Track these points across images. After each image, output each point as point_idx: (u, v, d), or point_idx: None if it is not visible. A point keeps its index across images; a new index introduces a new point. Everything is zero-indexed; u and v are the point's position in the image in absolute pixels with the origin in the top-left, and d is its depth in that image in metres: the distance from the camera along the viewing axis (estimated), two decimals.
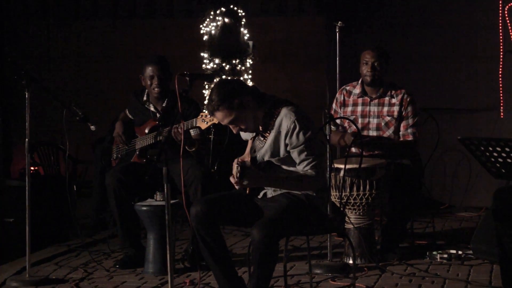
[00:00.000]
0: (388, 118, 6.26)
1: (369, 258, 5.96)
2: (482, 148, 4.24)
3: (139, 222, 6.09)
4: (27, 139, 5.70)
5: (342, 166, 5.66)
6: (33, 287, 5.56)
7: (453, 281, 5.46)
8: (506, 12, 8.29)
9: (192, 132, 5.96)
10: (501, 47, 8.32)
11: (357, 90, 6.39)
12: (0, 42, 10.23)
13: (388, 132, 6.26)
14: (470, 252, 6.05)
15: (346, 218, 5.90)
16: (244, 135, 4.94)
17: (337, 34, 6.29)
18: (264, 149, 4.70)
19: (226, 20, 9.00)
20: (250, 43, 9.08)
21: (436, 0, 8.70)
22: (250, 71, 9.09)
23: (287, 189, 4.70)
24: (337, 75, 6.43)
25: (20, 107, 6.54)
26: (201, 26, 9.12)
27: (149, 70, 6.16)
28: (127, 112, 6.46)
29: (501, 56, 8.33)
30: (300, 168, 4.63)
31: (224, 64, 8.95)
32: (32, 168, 7.92)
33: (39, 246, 6.63)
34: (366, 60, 6.27)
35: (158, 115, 6.24)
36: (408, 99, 6.26)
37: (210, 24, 9.05)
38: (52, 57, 10.48)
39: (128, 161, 6.29)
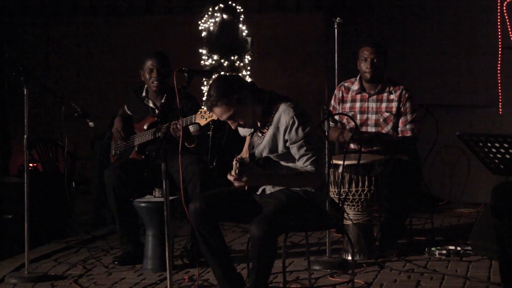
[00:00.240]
0: (387, 114, 6.26)
1: (368, 254, 5.96)
2: (481, 144, 4.24)
3: (138, 219, 6.09)
4: (25, 136, 5.70)
5: (340, 162, 5.66)
6: (32, 284, 5.56)
7: (452, 277, 5.46)
8: (504, 8, 8.29)
9: (191, 128, 5.96)
10: (500, 43, 8.31)
11: (355, 86, 6.39)
12: None
13: (387, 128, 6.26)
14: (469, 248, 6.06)
15: (345, 214, 5.91)
16: (242, 131, 4.94)
17: (336, 30, 6.29)
18: (262, 145, 4.70)
19: (225, 16, 8.99)
20: (249, 39, 9.07)
21: None
22: (248, 68, 9.09)
23: (286, 186, 4.70)
24: (336, 71, 6.43)
25: (18, 104, 6.55)
26: (199, 22, 9.11)
27: (148, 64, 6.15)
28: (126, 108, 6.46)
29: (500, 52, 8.33)
30: (299, 163, 4.62)
31: (222, 61, 8.94)
32: (30, 164, 7.92)
33: (38, 243, 6.63)
34: (364, 56, 6.27)
35: (157, 111, 6.23)
36: (406, 95, 6.26)
37: (208, 21, 9.04)
38: (51, 54, 10.47)
39: (126, 157, 6.29)
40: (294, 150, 4.62)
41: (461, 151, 8.39)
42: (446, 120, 8.02)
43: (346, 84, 6.44)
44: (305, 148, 4.59)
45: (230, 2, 9.03)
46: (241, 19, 9.07)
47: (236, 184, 4.50)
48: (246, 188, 4.70)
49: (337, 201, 5.82)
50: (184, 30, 9.79)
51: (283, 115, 4.61)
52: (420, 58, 8.64)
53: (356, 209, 5.99)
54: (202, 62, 9.01)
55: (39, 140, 8.52)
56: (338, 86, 6.45)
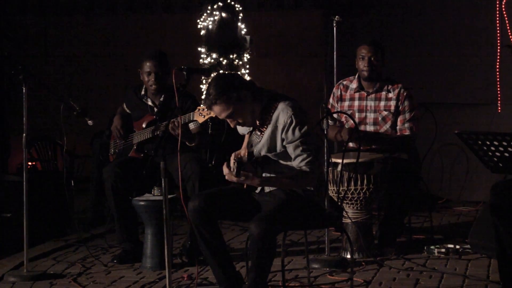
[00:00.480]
0: (385, 113, 6.26)
1: (366, 253, 5.96)
2: (480, 142, 4.24)
3: (137, 217, 6.08)
4: (24, 134, 5.69)
5: (339, 160, 5.66)
6: (31, 282, 5.55)
7: (451, 275, 5.46)
8: (503, 6, 8.29)
9: (192, 125, 5.95)
10: (499, 41, 8.32)
11: (353, 85, 6.39)
12: None
13: (385, 127, 6.26)
14: (468, 246, 6.06)
15: (344, 212, 5.91)
16: (241, 130, 4.94)
17: (334, 28, 6.28)
18: (261, 144, 4.70)
19: (224, 14, 8.99)
20: (248, 37, 9.07)
21: None
22: (247, 66, 9.08)
23: (282, 187, 4.69)
24: (335, 70, 6.42)
25: (17, 102, 6.54)
26: (198, 21, 9.10)
27: (146, 66, 6.15)
28: (125, 106, 6.46)
29: (499, 51, 8.33)
30: (295, 163, 4.62)
31: (221, 59, 8.94)
32: (29, 163, 7.91)
33: (37, 241, 6.62)
34: (362, 54, 6.27)
35: (155, 109, 6.23)
36: (404, 94, 6.26)
37: (207, 19, 9.04)
38: (50, 52, 10.46)
39: (125, 156, 6.29)
40: (290, 149, 4.61)
41: (460, 149, 8.40)
42: (445, 119, 8.02)
43: (344, 83, 6.44)
44: (301, 148, 4.58)
45: (228, 1, 9.02)
46: (239, 17, 9.07)
47: (229, 179, 4.50)
48: (245, 186, 4.70)
49: (336, 200, 5.82)
50: (183, 28, 9.78)
51: (282, 114, 4.61)
52: (419, 56, 8.65)
53: (355, 208, 5.99)
54: (201, 60, 9.01)
55: (38, 139, 8.52)
56: (336, 85, 6.45)
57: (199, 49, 9.03)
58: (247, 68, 9.09)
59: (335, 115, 6.31)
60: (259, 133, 4.72)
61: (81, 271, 5.84)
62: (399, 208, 6.17)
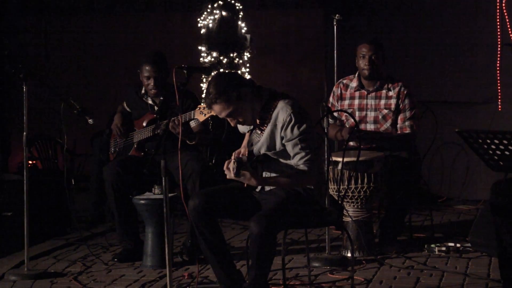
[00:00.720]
0: (386, 111, 6.26)
1: (367, 251, 5.97)
2: (480, 141, 4.24)
3: (137, 216, 6.09)
4: (25, 133, 5.69)
5: (340, 159, 5.67)
6: (31, 281, 5.55)
7: (451, 274, 5.46)
8: (504, 5, 8.29)
9: (193, 123, 5.95)
10: (499, 40, 8.31)
11: (354, 84, 6.38)
12: None
13: (386, 125, 6.26)
14: (468, 245, 6.06)
15: (344, 211, 5.91)
16: (242, 128, 4.94)
17: (335, 27, 6.28)
18: (260, 142, 4.70)
19: (224, 13, 8.99)
20: (248, 36, 9.07)
21: None
22: (247, 65, 9.08)
23: (281, 187, 4.69)
24: (335, 68, 6.41)
25: (18, 101, 6.54)
26: (198, 19, 9.10)
27: (145, 71, 6.14)
28: (125, 105, 6.46)
29: (499, 49, 8.33)
30: (294, 161, 4.62)
31: (221, 58, 8.94)
32: (30, 162, 7.92)
33: (38, 240, 6.63)
34: (362, 53, 6.27)
35: (156, 108, 6.23)
36: (405, 92, 6.26)
37: (207, 18, 9.04)
38: (50, 51, 10.45)
39: (126, 154, 6.30)
40: (289, 147, 4.61)
41: (460, 147, 8.39)
42: (445, 117, 8.02)
43: (344, 81, 6.44)
44: (299, 146, 4.58)
45: None
46: (240, 16, 9.07)
47: (228, 176, 4.51)
48: (245, 185, 4.70)
49: (336, 198, 5.82)
50: (183, 27, 9.79)
51: (281, 112, 4.61)
52: (419, 55, 8.64)
53: (355, 206, 5.99)
54: (201, 59, 9.01)
55: (39, 137, 8.53)
56: (336, 83, 6.44)
57: (200, 47, 9.03)
58: (248, 67, 9.10)
59: (335, 114, 6.30)
60: (259, 132, 4.72)
61: (81, 269, 5.84)
62: (399, 206, 6.17)
